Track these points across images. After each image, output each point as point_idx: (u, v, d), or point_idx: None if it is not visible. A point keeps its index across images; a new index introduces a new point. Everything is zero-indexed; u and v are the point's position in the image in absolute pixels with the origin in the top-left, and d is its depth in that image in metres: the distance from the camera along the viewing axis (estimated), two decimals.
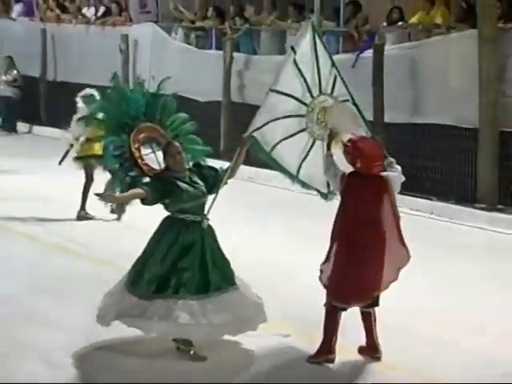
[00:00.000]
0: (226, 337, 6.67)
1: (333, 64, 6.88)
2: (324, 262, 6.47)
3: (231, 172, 6.72)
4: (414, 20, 12.94)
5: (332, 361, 6.41)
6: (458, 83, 11.59)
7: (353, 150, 6.35)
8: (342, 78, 6.92)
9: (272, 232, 10.19)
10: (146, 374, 6.30)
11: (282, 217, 10.77)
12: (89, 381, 6.30)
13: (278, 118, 6.61)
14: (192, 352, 6.54)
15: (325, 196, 6.97)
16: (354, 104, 6.95)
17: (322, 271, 6.49)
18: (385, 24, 13.15)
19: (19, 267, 8.87)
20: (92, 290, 7.70)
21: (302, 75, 6.68)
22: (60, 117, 18.21)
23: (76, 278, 8.44)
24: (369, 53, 12.46)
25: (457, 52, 11.63)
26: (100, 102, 7.31)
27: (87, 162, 10.67)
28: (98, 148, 9.92)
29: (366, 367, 6.44)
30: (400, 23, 12.97)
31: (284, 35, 14.25)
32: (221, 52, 14.74)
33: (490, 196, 11.27)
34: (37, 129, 18.60)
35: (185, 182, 6.51)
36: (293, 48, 6.74)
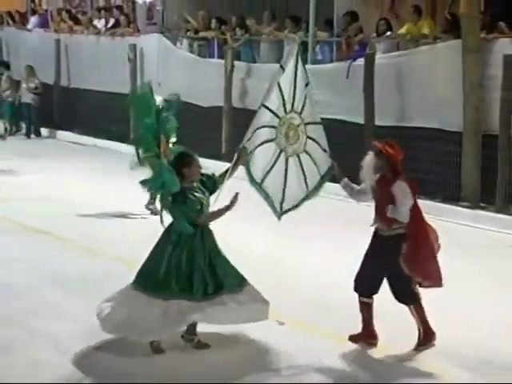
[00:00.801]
0: (225, 328, 6.61)
1: (307, 84, 6.81)
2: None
3: (227, 178, 6.60)
4: (402, 31, 12.94)
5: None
6: (443, 89, 11.59)
7: (396, 153, 6.39)
8: (310, 97, 6.87)
9: (261, 230, 10.02)
10: (147, 370, 6.23)
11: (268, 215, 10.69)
12: (94, 369, 6.27)
13: (257, 128, 6.62)
14: (196, 340, 6.54)
15: (278, 215, 6.92)
16: (319, 123, 6.93)
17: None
18: (375, 34, 13.15)
19: (35, 262, 8.86)
20: (102, 282, 7.73)
21: (281, 91, 6.67)
22: (73, 121, 18.30)
23: (88, 273, 8.43)
24: (361, 61, 12.45)
25: (442, 60, 11.63)
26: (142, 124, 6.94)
27: None
28: None
29: (368, 357, 6.42)
30: (389, 33, 12.96)
31: (281, 45, 14.25)
32: (222, 60, 14.73)
33: (473, 195, 11.28)
34: (58, 133, 18.56)
35: (198, 192, 6.40)
36: (282, 66, 6.72)
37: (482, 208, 11.15)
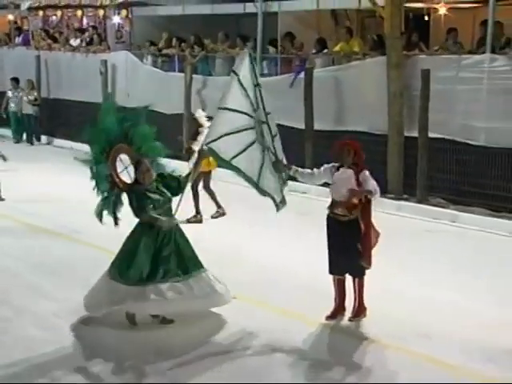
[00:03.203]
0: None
1: (257, 85, 6.66)
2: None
3: (191, 178, 6.62)
4: (336, 48, 13.03)
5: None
6: (371, 98, 11.71)
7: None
8: (261, 96, 6.72)
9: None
10: (124, 342, 6.21)
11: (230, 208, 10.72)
12: (75, 342, 6.21)
13: (233, 132, 6.37)
14: (161, 316, 6.51)
15: (276, 206, 6.78)
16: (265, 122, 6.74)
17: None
18: (314, 51, 13.21)
19: (23, 251, 8.78)
20: (84, 269, 7.66)
21: (246, 92, 6.53)
22: (53, 128, 18.03)
23: (72, 259, 8.35)
24: (302, 74, 12.49)
25: (370, 74, 11.75)
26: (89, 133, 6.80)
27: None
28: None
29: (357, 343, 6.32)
30: (325, 51, 13.04)
31: (233, 60, 14.23)
32: (182, 74, 14.70)
33: (397, 188, 11.41)
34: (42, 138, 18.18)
35: (154, 193, 6.37)
36: (234, 71, 6.57)
37: (405, 199, 11.28)
